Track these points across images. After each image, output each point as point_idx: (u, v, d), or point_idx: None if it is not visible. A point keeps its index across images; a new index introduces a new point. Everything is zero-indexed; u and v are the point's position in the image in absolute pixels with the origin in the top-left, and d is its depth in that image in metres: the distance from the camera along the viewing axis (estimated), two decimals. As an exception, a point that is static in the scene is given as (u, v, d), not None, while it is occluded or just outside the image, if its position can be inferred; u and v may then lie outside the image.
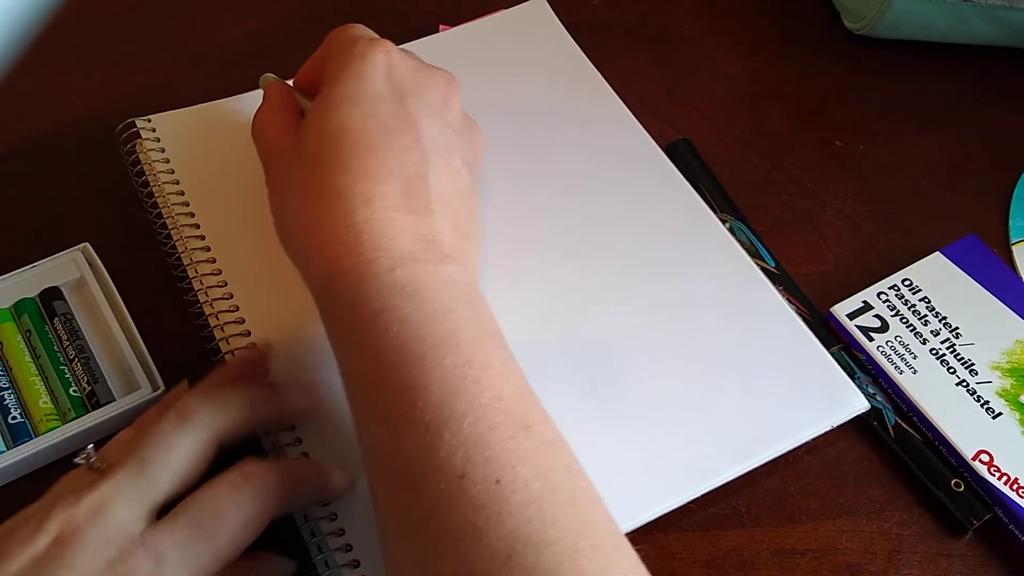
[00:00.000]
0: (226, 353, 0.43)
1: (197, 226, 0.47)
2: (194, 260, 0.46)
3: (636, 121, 0.52)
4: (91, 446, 0.36)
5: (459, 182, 0.38)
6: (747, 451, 0.41)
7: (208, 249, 0.46)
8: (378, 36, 0.41)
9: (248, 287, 0.45)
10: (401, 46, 0.54)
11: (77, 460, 0.35)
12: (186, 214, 0.47)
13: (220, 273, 0.45)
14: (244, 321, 0.44)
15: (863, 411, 0.43)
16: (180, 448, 0.35)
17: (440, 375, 0.32)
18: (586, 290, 0.46)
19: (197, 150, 0.50)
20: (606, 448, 0.41)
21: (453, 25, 0.57)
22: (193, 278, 0.45)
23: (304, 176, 0.37)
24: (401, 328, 0.33)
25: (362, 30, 0.42)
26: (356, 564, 0.38)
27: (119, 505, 0.33)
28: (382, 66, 0.39)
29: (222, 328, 0.44)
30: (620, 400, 0.42)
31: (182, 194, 0.48)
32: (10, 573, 0.32)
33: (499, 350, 0.34)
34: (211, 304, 0.44)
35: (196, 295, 0.45)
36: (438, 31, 0.57)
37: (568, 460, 0.32)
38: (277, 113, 0.42)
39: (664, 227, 0.48)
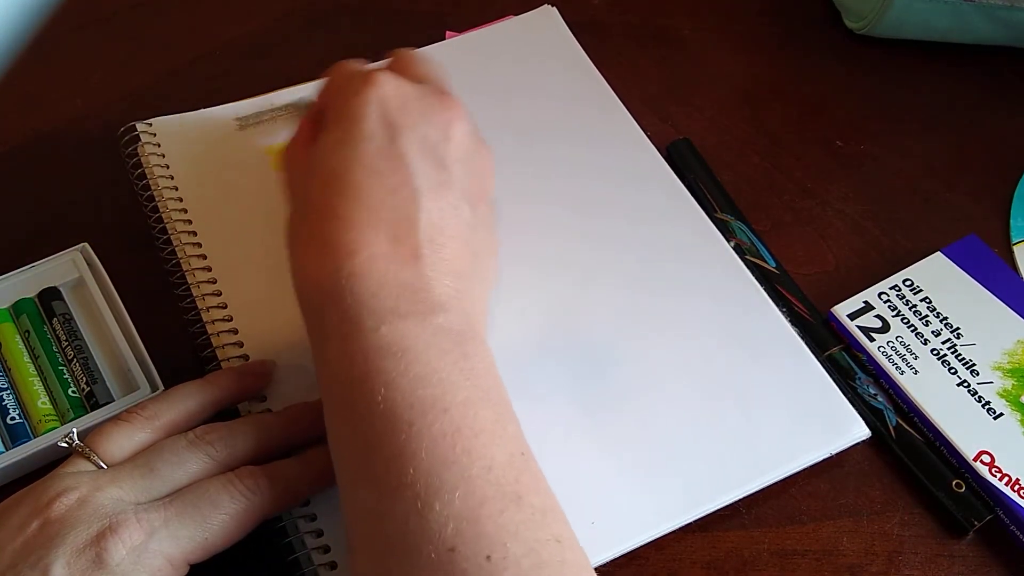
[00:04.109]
0: (222, 361, 0.43)
1: (194, 233, 0.47)
2: (191, 267, 0.46)
3: (644, 135, 0.52)
4: (74, 431, 0.37)
5: (455, 219, 0.37)
6: (744, 476, 0.41)
7: (204, 257, 0.46)
8: (377, 67, 0.40)
9: (242, 297, 0.45)
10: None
11: (60, 443, 0.37)
12: (184, 220, 0.47)
13: (215, 282, 0.45)
14: (237, 332, 0.44)
15: (864, 438, 0.43)
16: (188, 469, 0.36)
17: (429, 443, 0.31)
18: (586, 308, 0.45)
19: (197, 156, 0.50)
20: (602, 469, 0.41)
21: (459, 30, 0.57)
22: (191, 284, 0.45)
23: (301, 221, 0.37)
24: (388, 392, 0.32)
25: (358, 65, 0.41)
26: (333, 566, 0.38)
27: (115, 489, 0.34)
28: (375, 103, 0.37)
29: (217, 335, 0.44)
30: (617, 420, 0.42)
31: (180, 200, 0.48)
32: (3, 562, 0.32)
33: (491, 410, 0.33)
34: (207, 311, 0.44)
35: (193, 301, 0.45)
36: (444, 38, 0.57)
37: (558, 529, 0.32)
38: (297, 149, 0.41)
39: (669, 246, 0.47)
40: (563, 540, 0.32)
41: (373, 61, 0.53)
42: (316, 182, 0.37)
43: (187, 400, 0.39)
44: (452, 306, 0.35)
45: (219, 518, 0.35)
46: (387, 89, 0.38)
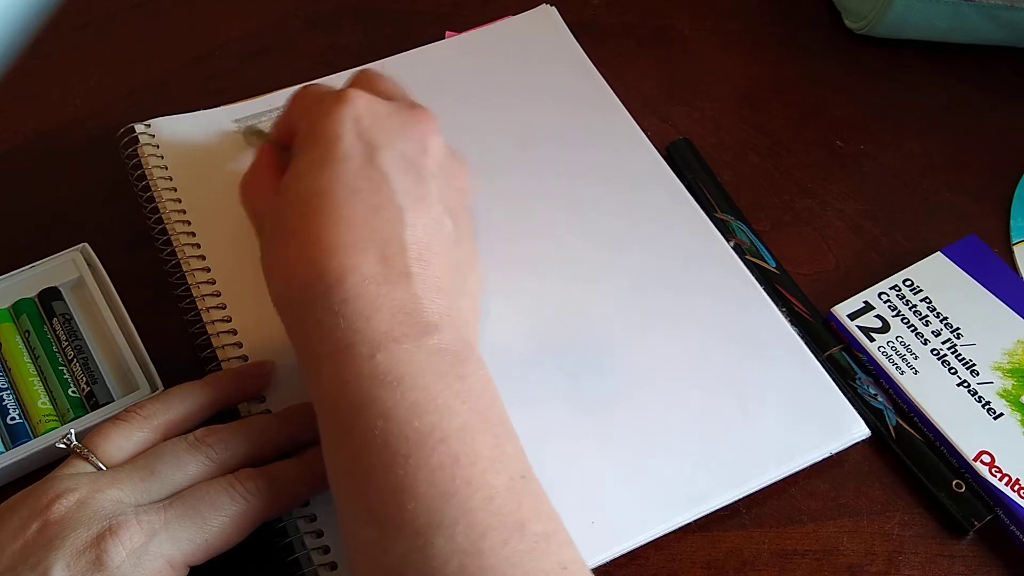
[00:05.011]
0: (222, 361, 0.43)
1: (193, 234, 0.47)
2: (190, 267, 0.46)
3: (643, 134, 0.51)
4: (72, 432, 0.37)
5: (440, 233, 0.36)
6: (743, 475, 0.41)
7: (203, 258, 0.46)
8: (346, 87, 0.40)
9: (241, 297, 0.45)
10: (404, 53, 0.55)
11: (58, 444, 0.37)
12: (182, 221, 0.47)
13: (215, 283, 0.45)
14: (237, 332, 0.44)
15: (864, 438, 0.43)
16: (187, 471, 0.36)
17: (427, 476, 0.31)
18: (586, 308, 0.45)
19: (195, 157, 0.50)
20: (602, 469, 0.41)
21: (459, 30, 0.57)
22: (191, 285, 0.45)
23: (280, 250, 0.36)
24: (385, 424, 0.32)
25: (326, 87, 0.41)
26: (333, 566, 0.38)
27: (115, 491, 0.34)
28: (349, 121, 0.37)
29: (217, 336, 0.44)
30: (617, 420, 0.42)
31: (179, 201, 0.48)
32: (2, 564, 0.32)
33: (489, 432, 0.33)
34: (207, 312, 0.44)
35: (193, 301, 0.45)
36: (444, 38, 0.57)
37: (563, 554, 0.32)
38: (260, 178, 0.40)
39: (669, 246, 0.47)
40: (569, 566, 0.31)
41: (370, 61, 0.54)
42: (293, 207, 0.36)
43: (185, 400, 0.39)
44: (444, 324, 0.34)
45: (219, 520, 0.35)
46: (360, 107, 0.37)
